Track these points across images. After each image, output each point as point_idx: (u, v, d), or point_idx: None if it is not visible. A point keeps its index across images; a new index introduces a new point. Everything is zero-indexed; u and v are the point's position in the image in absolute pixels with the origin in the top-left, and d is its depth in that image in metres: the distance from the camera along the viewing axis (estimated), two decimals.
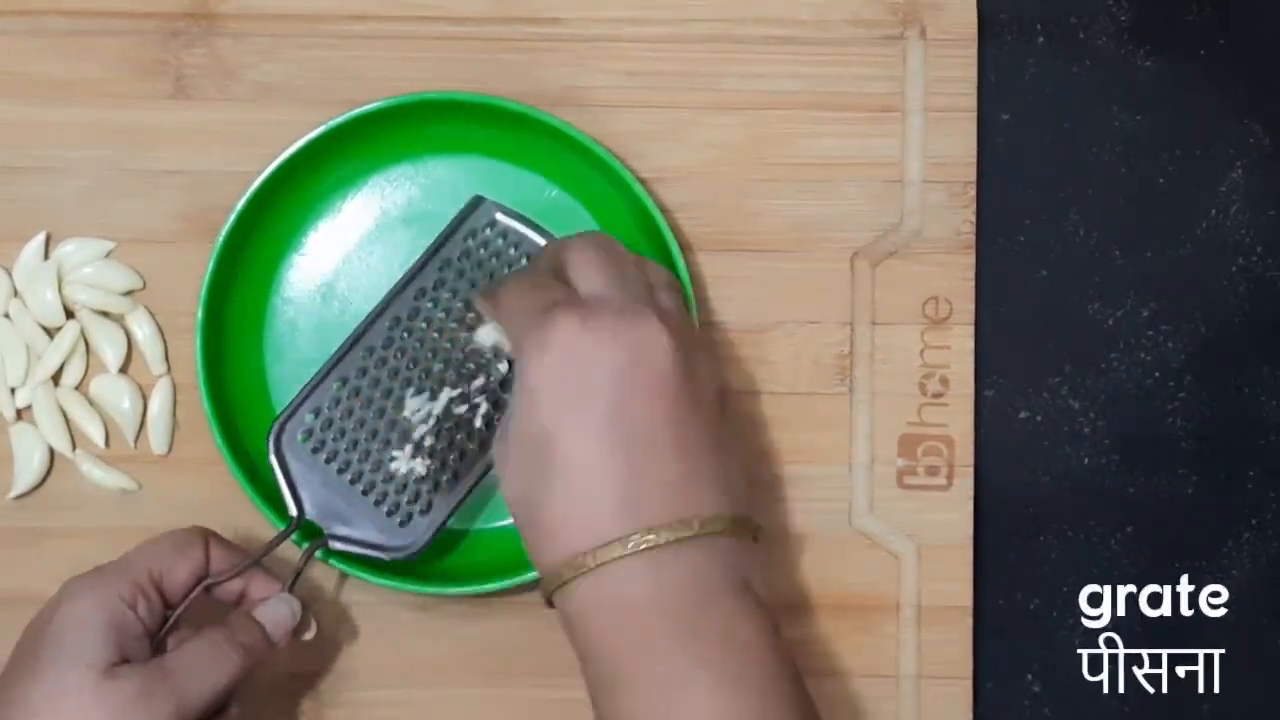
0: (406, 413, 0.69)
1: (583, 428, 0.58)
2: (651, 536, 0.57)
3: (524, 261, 0.70)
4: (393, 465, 0.68)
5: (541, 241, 0.70)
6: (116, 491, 0.72)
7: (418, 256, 0.70)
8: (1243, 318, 0.75)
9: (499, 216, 0.70)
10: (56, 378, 0.72)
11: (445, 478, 0.69)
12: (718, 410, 0.62)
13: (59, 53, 0.72)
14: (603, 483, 0.58)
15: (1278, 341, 0.75)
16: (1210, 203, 0.75)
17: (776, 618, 0.59)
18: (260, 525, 0.70)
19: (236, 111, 0.72)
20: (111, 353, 0.72)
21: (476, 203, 0.70)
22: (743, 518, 0.60)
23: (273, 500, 0.69)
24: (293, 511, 0.68)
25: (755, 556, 0.60)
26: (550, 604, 0.60)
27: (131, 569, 0.63)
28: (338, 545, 0.68)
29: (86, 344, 0.72)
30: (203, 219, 0.72)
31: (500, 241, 0.70)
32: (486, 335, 0.69)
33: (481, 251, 0.70)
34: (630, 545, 0.57)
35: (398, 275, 0.70)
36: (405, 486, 0.68)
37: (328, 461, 0.68)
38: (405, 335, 0.69)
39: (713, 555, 0.58)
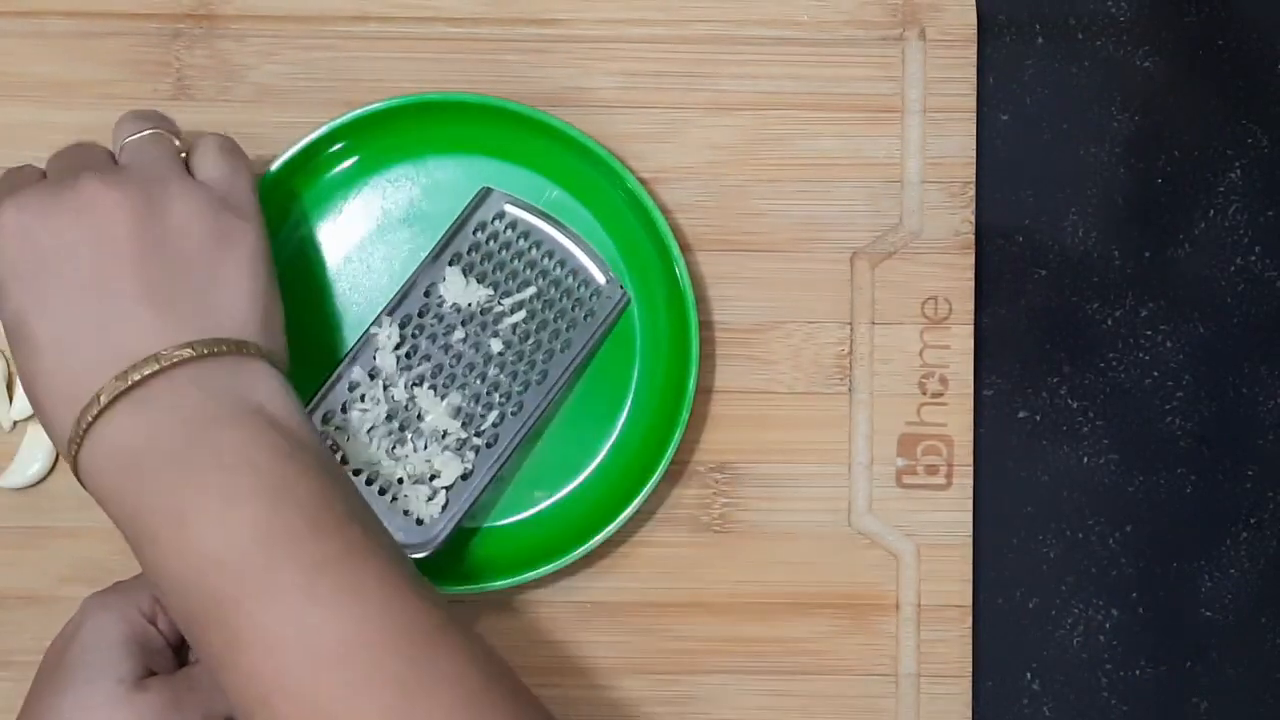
0: (420, 410, 0.69)
1: (42, 304, 0.59)
2: (119, 383, 0.57)
3: (534, 253, 0.70)
4: (408, 464, 0.68)
5: (551, 231, 0.70)
6: None
7: (426, 251, 0.70)
8: (1241, 318, 0.75)
9: (508, 208, 0.70)
10: None
11: (460, 474, 0.69)
12: (205, 248, 0.61)
13: (60, 54, 0.72)
14: (74, 350, 0.58)
15: (1277, 341, 0.75)
16: (1209, 203, 0.75)
17: (302, 436, 0.59)
18: None
19: (237, 112, 0.72)
20: None
21: (485, 195, 0.70)
22: (233, 341, 0.60)
23: None
24: None
25: (270, 382, 0.59)
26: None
27: (149, 584, 0.63)
28: None
29: None
30: None
31: (509, 233, 0.70)
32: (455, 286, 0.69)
33: (491, 244, 0.70)
34: (101, 396, 0.57)
35: (399, 275, 0.71)
36: (421, 484, 0.68)
37: (343, 462, 0.68)
38: (417, 333, 0.69)
39: (200, 386, 0.58)
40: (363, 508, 0.58)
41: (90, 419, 0.57)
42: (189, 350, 0.58)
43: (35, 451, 0.72)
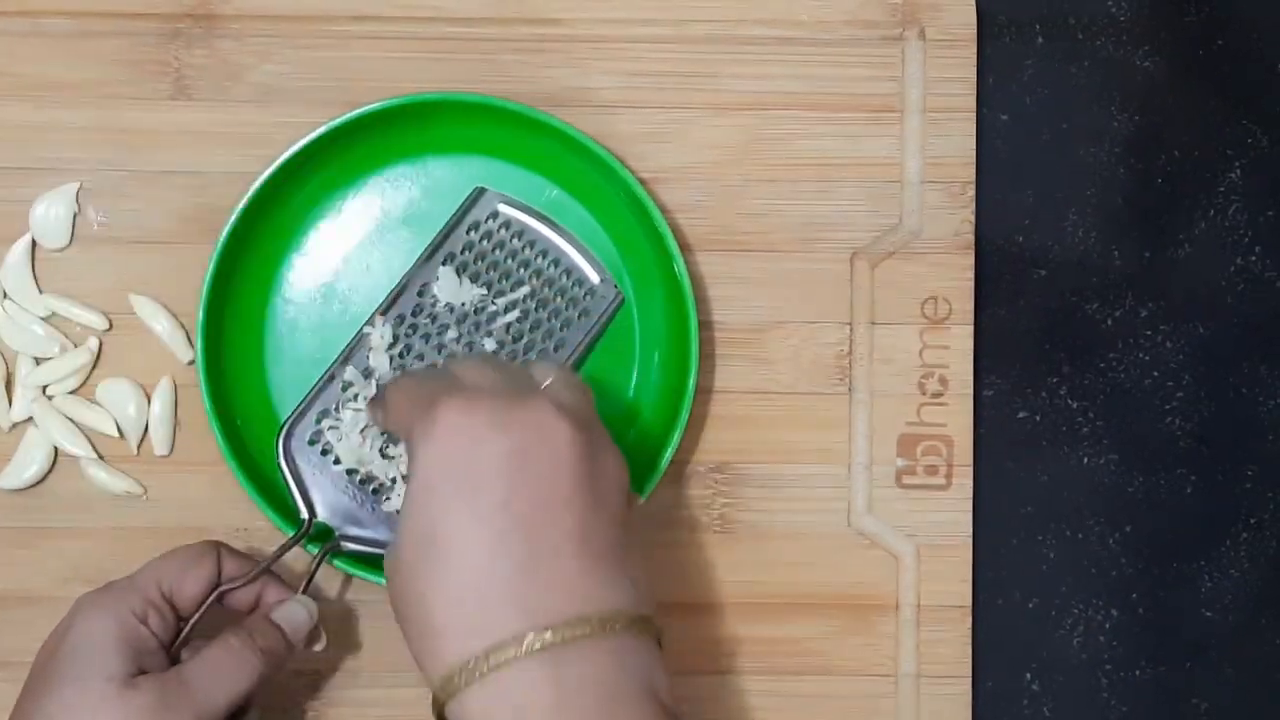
0: None
1: (472, 516, 0.55)
2: (548, 635, 0.53)
3: (527, 252, 0.70)
4: (402, 463, 0.68)
5: (545, 231, 0.70)
6: (120, 493, 0.72)
7: (423, 248, 0.70)
8: (1241, 318, 0.75)
9: (501, 207, 0.70)
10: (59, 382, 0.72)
11: None
12: (623, 511, 0.58)
13: (60, 53, 0.72)
14: (493, 577, 0.54)
15: (1276, 341, 0.75)
16: (1209, 203, 0.75)
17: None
18: (263, 525, 0.70)
19: (237, 112, 0.72)
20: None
21: (478, 194, 0.70)
22: (645, 617, 0.56)
23: (274, 499, 0.69)
24: (304, 514, 0.68)
25: (659, 663, 0.56)
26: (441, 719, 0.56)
27: (141, 584, 0.63)
28: (350, 546, 0.68)
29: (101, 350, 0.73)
30: (203, 220, 0.72)
31: (503, 233, 0.70)
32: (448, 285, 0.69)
33: (484, 244, 0.70)
34: (525, 645, 0.53)
35: (398, 275, 0.71)
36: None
37: (337, 463, 0.68)
38: (410, 332, 0.69)
39: (616, 659, 0.54)
40: None
41: (500, 660, 0.53)
42: (620, 620, 0.55)
43: (34, 452, 0.72)
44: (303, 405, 0.69)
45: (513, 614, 0.54)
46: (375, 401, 0.64)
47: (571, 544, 0.55)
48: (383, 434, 0.68)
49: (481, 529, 0.55)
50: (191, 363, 0.72)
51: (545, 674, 0.54)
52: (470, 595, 0.55)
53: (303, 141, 0.70)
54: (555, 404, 0.57)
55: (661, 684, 0.56)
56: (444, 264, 0.70)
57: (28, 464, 0.72)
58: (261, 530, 0.71)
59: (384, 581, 0.68)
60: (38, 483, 0.72)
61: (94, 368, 0.72)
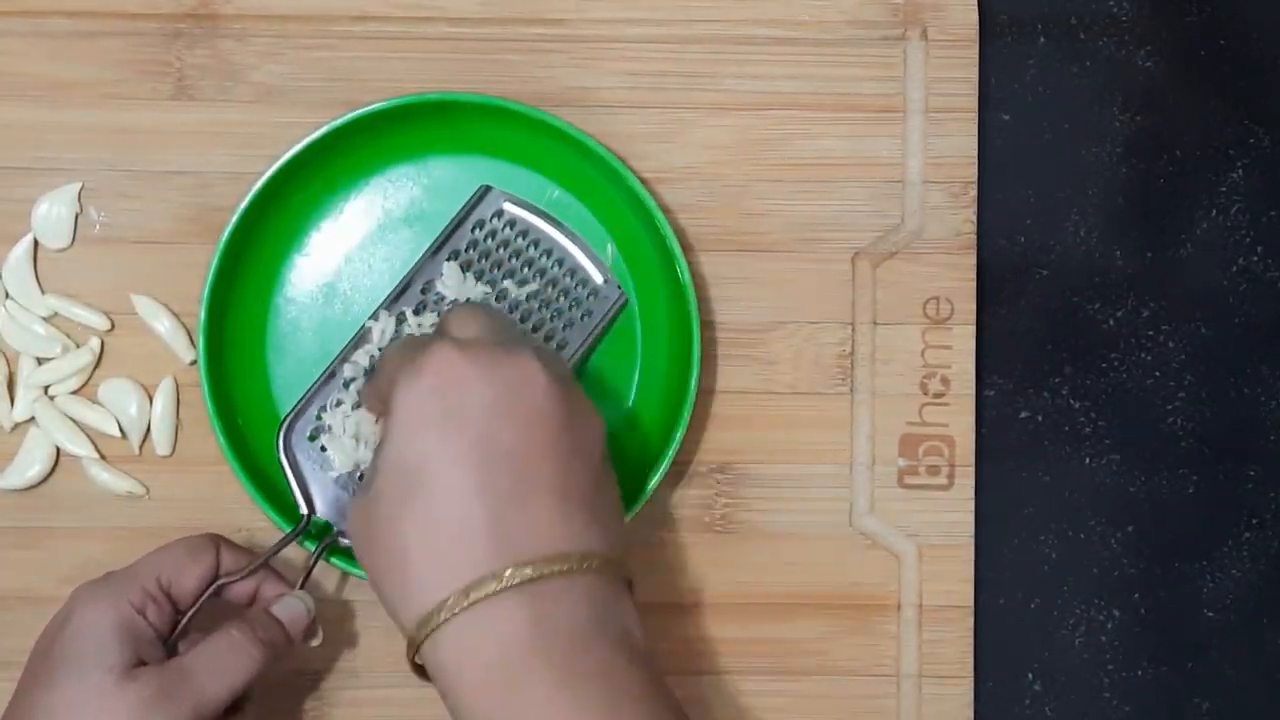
0: None
1: (454, 455, 0.56)
2: (528, 570, 0.54)
3: (532, 251, 0.70)
4: None
5: (549, 230, 0.70)
6: (122, 493, 0.72)
7: (425, 248, 0.70)
8: (1243, 318, 0.75)
9: (506, 206, 0.70)
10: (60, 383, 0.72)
11: None
12: (600, 465, 0.59)
13: (61, 54, 0.72)
14: (473, 515, 0.55)
15: (1278, 341, 0.75)
16: (1210, 203, 0.75)
17: (655, 666, 0.57)
18: (264, 524, 0.70)
19: (238, 112, 0.72)
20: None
21: (483, 193, 0.70)
22: (619, 561, 0.57)
23: (276, 499, 0.69)
24: (303, 510, 0.68)
25: (633, 608, 0.57)
26: (416, 669, 0.57)
27: (140, 575, 0.63)
28: (348, 542, 0.68)
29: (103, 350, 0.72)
30: (205, 220, 0.72)
31: (508, 231, 0.70)
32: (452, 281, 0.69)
33: (489, 242, 0.70)
34: (505, 579, 0.54)
35: (400, 275, 0.71)
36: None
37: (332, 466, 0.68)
38: (415, 330, 0.69)
39: (590, 599, 0.56)
40: None
41: (479, 596, 0.54)
42: (596, 560, 0.56)
43: (36, 452, 0.72)
44: (303, 401, 0.69)
45: (492, 550, 0.55)
46: (371, 379, 0.64)
47: (550, 488, 0.56)
48: (376, 420, 0.68)
49: (463, 468, 0.56)
50: (193, 363, 0.72)
51: (522, 612, 0.54)
52: (450, 533, 0.55)
53: (304, 141, 0.70)
54: (540, 358, 0.58)
55: (635, 626, 0.57)
56: (449, 261, 0.70)
57: (29, 464, 0.72)
58: (263, 530, 0.71)
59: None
60: (40, 483, 0.72)
61: (96, 368, 0.72)
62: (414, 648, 0.56)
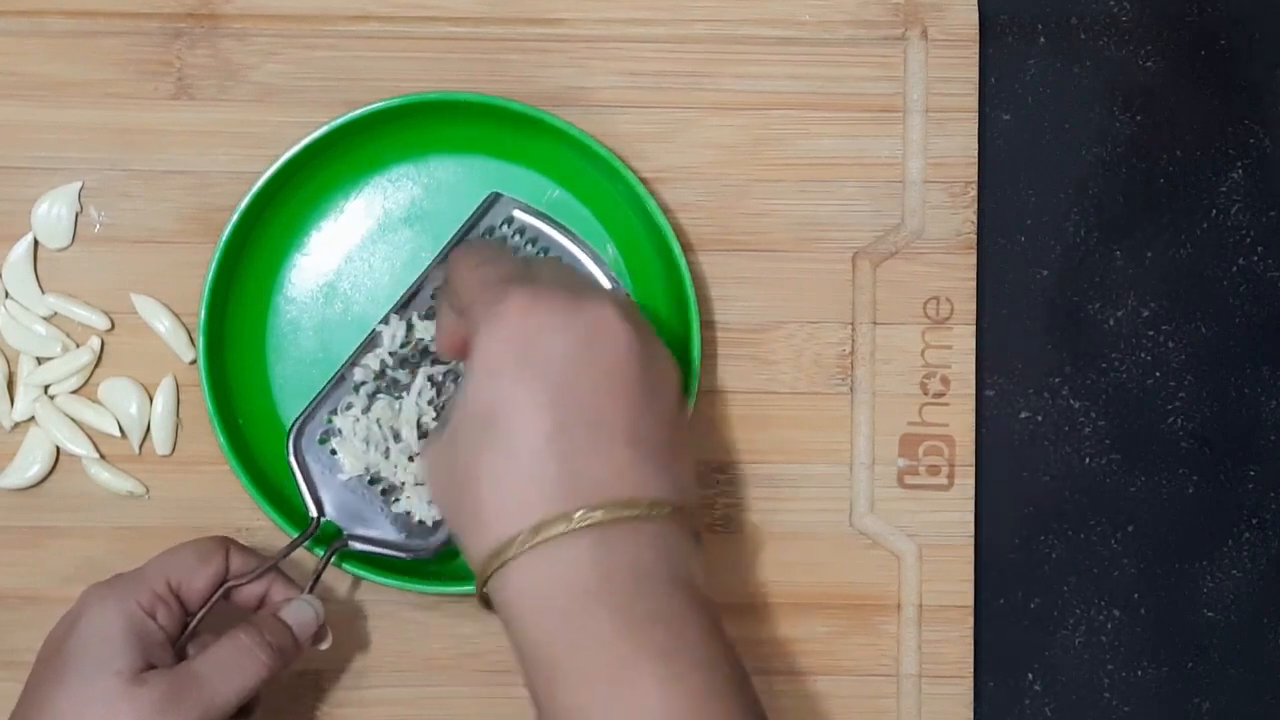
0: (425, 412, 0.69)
1: (532, 400, 0.57)
2: (598, 513, 0.55)
3: (541, 257, 0.70)
4: (411, 464, 0.68)
5: (557, 236, 0.70)
6: (122, 493, 0.72)
7: (427, 250, 0.70)
8: (1243, 318, 0.75)
9: (516, 213, 0.70)
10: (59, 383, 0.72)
11: None
12: (675, 412, 0.60)
13: (61, 53, 0.72)
14: (548, 458, 0.56)
15: (1278, 341, 0.75)
16: (1211, 203, 0.75)
17: (721, 619, 0.58)
18: (265, 525, 0.70)
19: (239, 112, 0.72)
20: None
21: (493, 199, 0.70)
22: (688, 510, 0.58)
23: (276, 499, 0.69)
24: (313, 513, 0.68)
25: (698, 557, 0.58)
26: (484, 601, 0.58)
27: (149, 578, 0.63)
28: (358, 546, 0.68)
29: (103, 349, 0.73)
30: (205, 219, 0.72)
31: (518, 238, 0.70)
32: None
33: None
34: (575, 520, 0.55)
35: (400, 275, 0.71)
36: (423, 485, 0.68)
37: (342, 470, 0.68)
38: (423, 333, 0.69)
39: (658, 545, 0.56)
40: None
41: (549, 535, 0.55)
42: (666, 508, 0.57)
43: (36, 452, 0.72)
44: (313, 404, 0.68)
45: (564, 493, 0.56)
46: (442, 305, 0.64)
47: (625, 435, 0.57)
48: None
49: (542, 412, 0.57)
50: (193, 362, 0.72)
51: (589, 554, 0.55)
52: (525, 473, 0.56)
53: (304, 141, 0.70)
54: (619, 306, 0.59)
55: (699, 574, 0.58)
56: None
57: (30, 463, 0.72)
58: (263, 530, 0.71)
59: (389, 580, 0.68)
60: (40, 482, 0.72)
61: (96, 367, 0.72)
62: (483, 580, 0.57)
